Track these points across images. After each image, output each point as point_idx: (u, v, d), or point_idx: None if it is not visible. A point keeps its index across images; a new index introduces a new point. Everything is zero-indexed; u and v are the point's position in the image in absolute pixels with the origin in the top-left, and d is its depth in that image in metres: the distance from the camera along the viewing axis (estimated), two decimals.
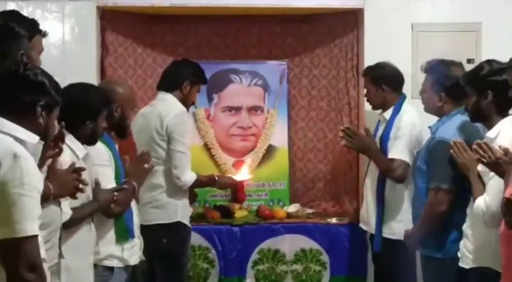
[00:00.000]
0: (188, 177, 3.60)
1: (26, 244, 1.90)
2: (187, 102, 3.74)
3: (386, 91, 3.67)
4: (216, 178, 3.88)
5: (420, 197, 3.21)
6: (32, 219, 1.92)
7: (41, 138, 2.12)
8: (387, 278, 3.73)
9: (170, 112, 3.62)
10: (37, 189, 1.97)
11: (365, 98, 3.84)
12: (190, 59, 3.88)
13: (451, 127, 3.07)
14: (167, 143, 3.61)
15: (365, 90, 3.82)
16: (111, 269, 3.13)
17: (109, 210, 3.02)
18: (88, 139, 2.90)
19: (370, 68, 3.77)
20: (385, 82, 3.67)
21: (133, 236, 3.23)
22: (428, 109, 3.36)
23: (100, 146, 3.09)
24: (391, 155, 3.58)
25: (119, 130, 3.32)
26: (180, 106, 3.69)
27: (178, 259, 3.72)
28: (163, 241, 3.60)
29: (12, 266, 1.89)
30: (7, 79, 2.10)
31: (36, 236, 1.93)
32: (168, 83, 3.76)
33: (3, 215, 1.88)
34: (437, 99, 3.19)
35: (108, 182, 3.08)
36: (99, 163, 3.05)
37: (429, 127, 3.31)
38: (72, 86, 2.94)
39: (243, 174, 4.12)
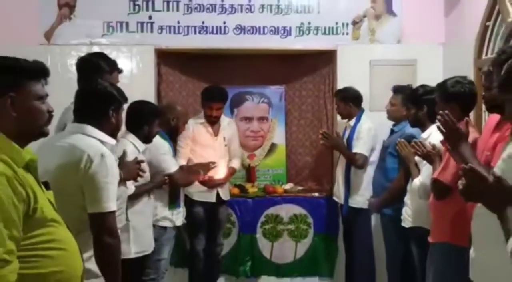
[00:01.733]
0: None
1: (109, 217, 1.90)
2: (205, 115, 3.70)
3: (351, 106, 3.67)
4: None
5: (389, 174, 3.20)
6: (114, 199, 1.92)
7: (115, 132, 2.10)
8: (351, 233, 3.73)
9: None
10: (116, 178, 1.97)
11: (336, 112, 3.83)
12: (218, 85, 3.83)
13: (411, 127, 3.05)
14: None
15: (336, 106, 3.81)
16: (164, 228, 3.14)
17: (162, 186, 3.03)
18: (145, 139, 2.90)
19: (340, 90, 3.77)
20: (350, 100, 3.67)
21: (179, 206, 3.24)
22: (394, 117, 3.37)
23: (162, 141, 3.11)
24: (354, 150, 3.59)
25: (172, 136, 3.30)
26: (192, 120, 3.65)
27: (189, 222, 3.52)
28: None
29: (99, 233, 1.88)
30: (85, 95, 2.08)
31: (115, 211, 1.93)
32: None
33: (94, 196, 1.88)
34: (404, 110, 3.14)
35: (171, 164, 3.08)
36: (163, 152, 3.08)
37: (392, 128, 3.33)
38: (135, 102, 2.96)
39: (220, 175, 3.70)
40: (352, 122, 3.67)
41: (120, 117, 2.10)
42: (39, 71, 1.54)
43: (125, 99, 2.14)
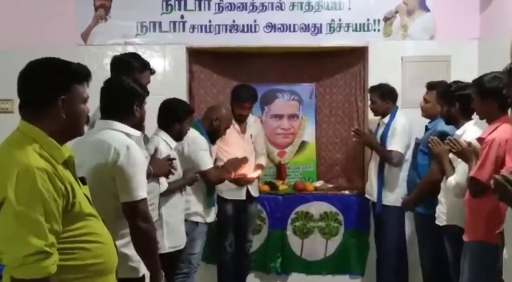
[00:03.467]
0: None
1: (141, 204, 1.94)
2: (233, 113, 3.65)
3: (389, 103, 3.61)
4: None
5: (420, 171, 3.15)
6: (143, 187, 1.96)
7: (139, 125, 2.15)
8: (383, 231, 3.67)
9: None
10: (143, 167, 2.02)
11: (369, 108, 3.75)
12: (247, 83, 3.85)
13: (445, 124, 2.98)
14: None
15: (369, 102, 3.73)
16: (196, 223, 3.17)
17: (193, 183, 3.03)
18: (176, 136, 2.92)
19: (375, 87, 3.65)
20: (388, 97, 3.60)
21: (213, 205, 3.26)
22: (428, 115, 3.31)
23: (201, 137, 3.14)
24: (390, 148, 3.51)
25: (212, 137, 3.33)
26: None
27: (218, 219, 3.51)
28: None
29: (133, 219, 1.94)
30: (110, 93, 2.13)
31: (146, 198, 1.97)
32: None
33: (124, 186, 1.93)
34: (439, 107, 2.99)
35: (207, 162, 3.10)
36: (202, 148, 3.11)
37: (426, 125, 3.28)
38: (167, 100, 2.99)
39: (253, 173, 3.69)
40: (386, 119, 3.60)
41: (143, 110, 2.17)
42: (85, 75, 1.59)
43: (147, 93, 2.20)
